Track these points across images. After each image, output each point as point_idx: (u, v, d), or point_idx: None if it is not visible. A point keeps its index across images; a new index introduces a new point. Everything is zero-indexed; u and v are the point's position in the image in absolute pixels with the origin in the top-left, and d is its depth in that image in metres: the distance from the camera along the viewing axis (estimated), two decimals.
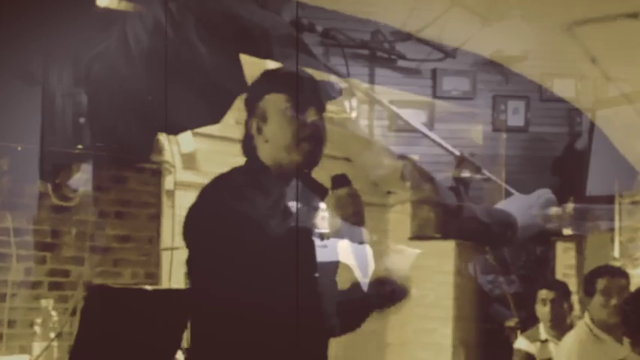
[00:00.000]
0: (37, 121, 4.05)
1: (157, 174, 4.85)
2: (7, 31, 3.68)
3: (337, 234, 2.61)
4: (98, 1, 3.89)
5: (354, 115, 5.27)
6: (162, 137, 4.74)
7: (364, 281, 2.80)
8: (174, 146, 4.86)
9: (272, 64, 4.33)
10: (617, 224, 5.16)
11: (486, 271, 5.66)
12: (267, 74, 2.72)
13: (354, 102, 5.27)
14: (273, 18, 3.99)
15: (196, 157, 5.01)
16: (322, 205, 2.61)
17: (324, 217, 2.62)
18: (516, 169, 5.75)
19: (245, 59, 3.81)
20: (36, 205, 4.48)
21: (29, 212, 4.46)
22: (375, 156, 4.79)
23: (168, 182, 4.87)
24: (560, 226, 5.24)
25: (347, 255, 2.93)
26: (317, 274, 2.59)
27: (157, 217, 4.83)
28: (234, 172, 2.57)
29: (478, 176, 4.89)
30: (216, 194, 2.53)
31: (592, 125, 5.63)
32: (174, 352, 3.31)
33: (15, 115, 4.01)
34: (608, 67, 5.06)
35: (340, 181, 2.53)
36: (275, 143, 2.52)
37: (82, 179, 4.46)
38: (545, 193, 5.13)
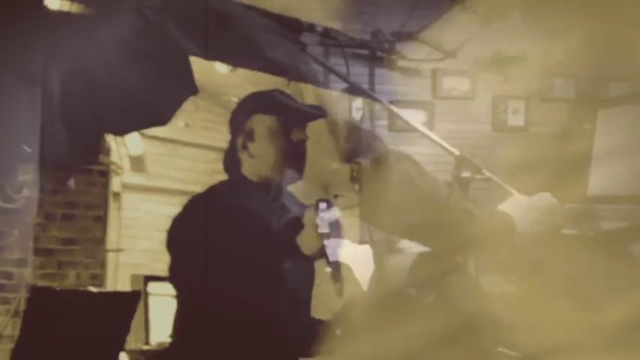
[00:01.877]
0: (35, 120, 4.03)
1: (104, 175, 4.80)
2: (7, 31, 3.67)
3: (338, 234, 2.66)
4: (47, 2, 3.83)
5: (358, 116, 5.26)
6: (110, 138, 4.69)
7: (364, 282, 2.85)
8: (122, 148, 4.82)
9: (220, 67, 4.33)
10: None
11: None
12: (255, 96, 2.88)
13: (359, 103, 5.25)
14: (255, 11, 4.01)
15: (145, 160, 4.98)
16: (322, 205, 2.67)
17: (323, 218, 2.66)
18: (516, 169, 5.74)
19: (194, 61, 3.83)
20: None
21: None
22: (323, 159, 4.78)
23: (115, 184, 4.83)
24: None
25: (347, 255, 2.95)
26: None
27: (103, 219, 4.78)
28: (220, 185, 2.71)
29: (478, 176, 4.88)
30: (200, 206, 2.68)
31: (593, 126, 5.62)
32: (117, 354, 3.32)
33: (12, 113, 3.99)
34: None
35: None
36: (261, 160, 2.66)
37: (26, 180, 4.39)
38: (547, 197, 5.11)
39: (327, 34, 5.48)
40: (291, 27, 3.29)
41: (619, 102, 5.28)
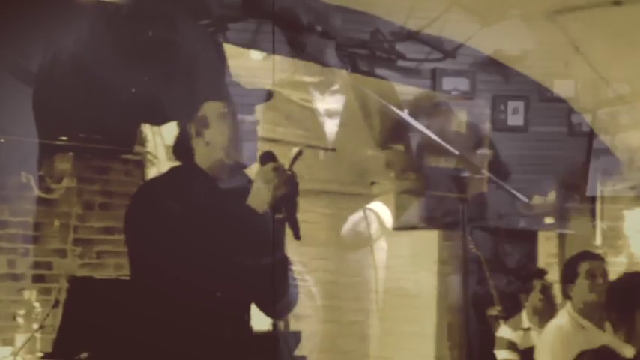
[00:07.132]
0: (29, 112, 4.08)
1: (141, 165, 4.87)
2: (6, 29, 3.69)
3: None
4: None
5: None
6: (146, 128, 4.77)
7: None
8: (158, 137, 4.86)
9: (255, 55, 4.38)
10: (598, 212, 5.19)
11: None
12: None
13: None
14: None
15: None
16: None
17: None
18: (516, 170, 5.76)
19: (229, 50, 3.87)
20: (18, 197, 4.49)
21: (12, 204, 4.48)
22: (358, 146, 4.79)
23: (151, 174, 4.87)
24: (542, 216, 5.30)
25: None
26: None
27: None
28: (171, 173, 2.82)
29: (478, 176, 4.89)
30: (152, 193, 2.84)
31: (592, 125, 5.63)
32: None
33: (6, 105, 4.03)
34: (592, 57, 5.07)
35: (266, 158, 2.73)
36: (215, 146, 2.75)
37: (66, 170, 4.46)
38: None
39: (326, 34, 5.49)
40: (291, 27, 3.31)
41: (619, 102, 5.29)
